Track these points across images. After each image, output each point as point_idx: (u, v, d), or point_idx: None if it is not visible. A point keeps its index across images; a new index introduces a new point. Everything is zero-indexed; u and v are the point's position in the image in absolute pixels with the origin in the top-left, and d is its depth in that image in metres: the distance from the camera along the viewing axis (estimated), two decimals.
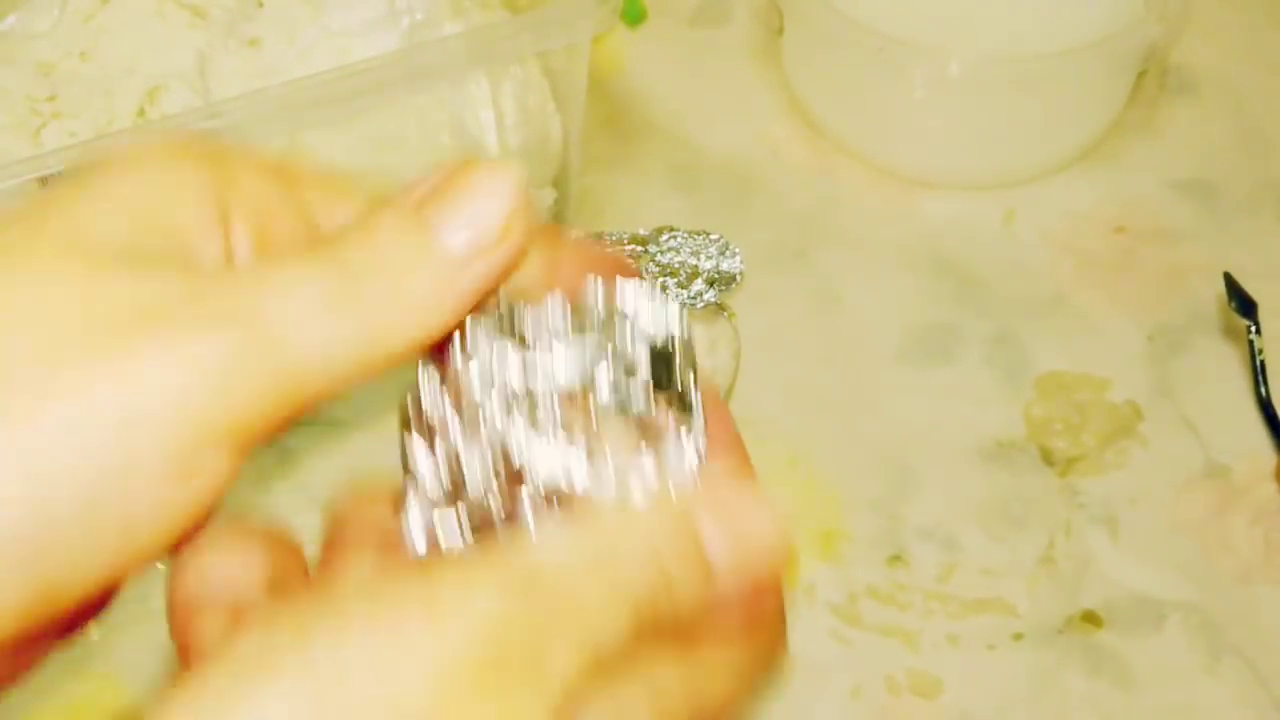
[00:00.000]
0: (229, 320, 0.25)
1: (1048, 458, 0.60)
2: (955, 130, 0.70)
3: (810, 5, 0.67)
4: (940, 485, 0.59)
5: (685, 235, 0.46)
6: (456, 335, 0.28)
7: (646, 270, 0.45)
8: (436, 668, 0.24)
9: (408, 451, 0.28)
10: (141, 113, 0.56)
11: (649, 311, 0.29)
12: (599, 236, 0.47)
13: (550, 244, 0.30)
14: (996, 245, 0.68)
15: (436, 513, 0.28)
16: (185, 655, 0.30)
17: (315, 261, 0.27)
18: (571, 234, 0.31)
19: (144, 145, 0.28)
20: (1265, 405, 0.61)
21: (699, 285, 0.45)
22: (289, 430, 0.27)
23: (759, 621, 0.29)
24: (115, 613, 0.52)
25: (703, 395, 0.29)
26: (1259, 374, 0.61)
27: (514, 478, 0.27)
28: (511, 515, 0.28)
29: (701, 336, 0.47)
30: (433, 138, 0.58)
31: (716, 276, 0.45)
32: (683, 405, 0.29)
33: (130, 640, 0.54)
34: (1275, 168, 0.71)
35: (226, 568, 0.30)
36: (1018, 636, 0.55)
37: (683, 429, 0.29)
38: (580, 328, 0.28)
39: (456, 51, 0.56)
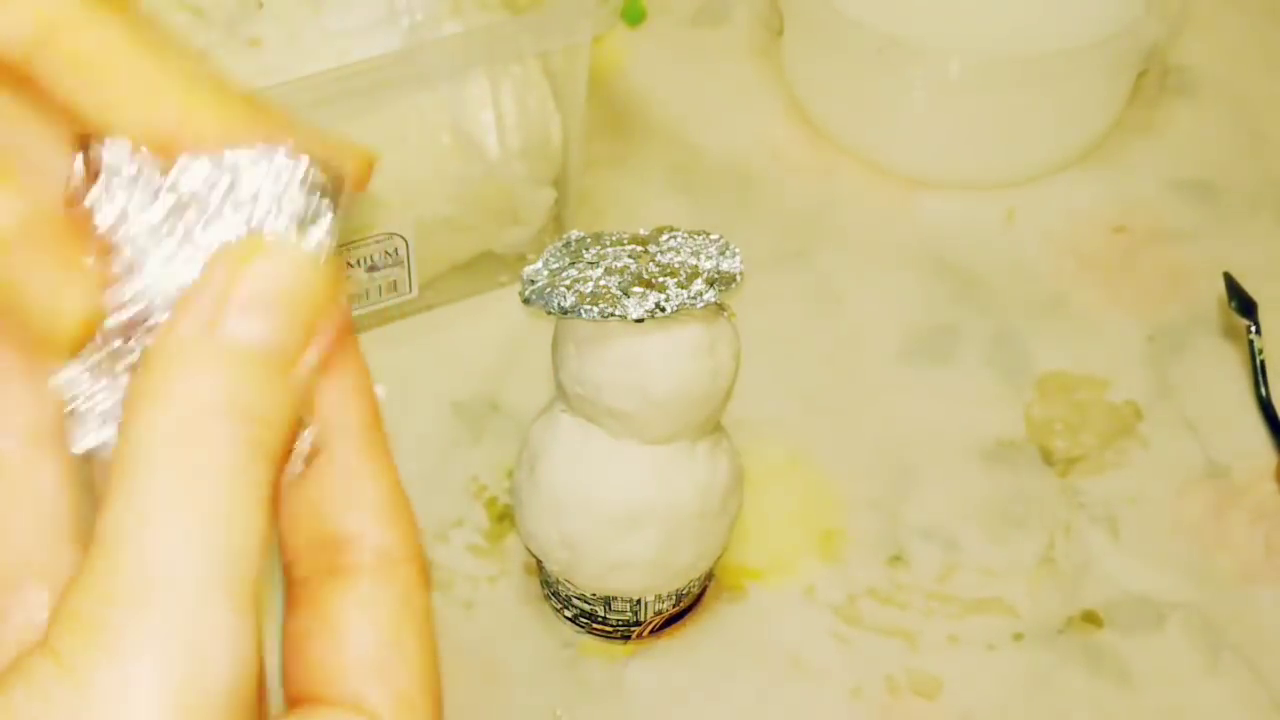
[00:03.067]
0: None
1: (1048, 458, 0.60)
2: (955, 130, 0.70)
3: (810, 5, 0.67)
4: (940, 485, 0.59)
5: (685, 235, 0.46)
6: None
7: (646, 270, 0.45)
8: None
9: None
10: None
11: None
12: (598, 236, 0.47)
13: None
14: (996, 245, 0.68)
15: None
16: None
17: None
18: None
19: None
20: (1265, 405, 0.61)
21: (699, 285, 0.44)
22: None
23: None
24: None
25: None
26: (1259, 374, 0.61)
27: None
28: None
29: (702, 336, 0.47)
30: (433, 138, 0.58)
31: (716, 276, 0.45)
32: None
33: None
34: (1275, 168, 0.71)
35: None
36: (1018, 636, 0.55)
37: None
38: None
39: (456, 51, 0.56)
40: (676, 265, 0.45)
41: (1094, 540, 0.58)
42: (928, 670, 0.54)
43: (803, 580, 0.57)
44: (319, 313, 0.26)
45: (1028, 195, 0.69)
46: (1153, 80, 0.74)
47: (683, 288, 0.44)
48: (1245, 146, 0.72)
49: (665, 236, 0.46)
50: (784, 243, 0.67)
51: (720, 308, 0.47)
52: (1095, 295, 0.66)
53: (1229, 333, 0.64)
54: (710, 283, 0.44)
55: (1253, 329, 0.61)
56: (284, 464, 0.26)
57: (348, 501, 0.27)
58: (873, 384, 0.63)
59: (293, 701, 0.27)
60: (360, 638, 0.26)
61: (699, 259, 0.45)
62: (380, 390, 0.28)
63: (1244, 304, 0.61)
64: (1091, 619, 0.56)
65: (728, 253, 0.45)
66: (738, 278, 0.44)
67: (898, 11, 0.68)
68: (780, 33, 0.73)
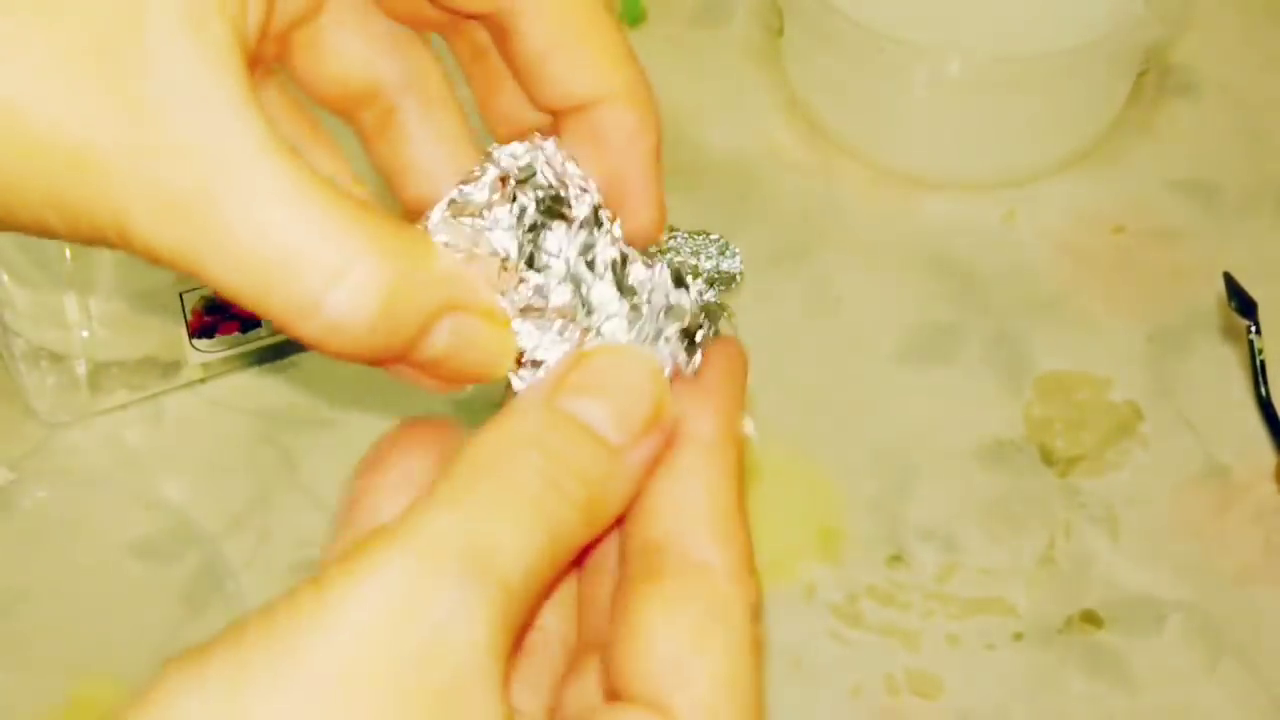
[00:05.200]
0: None
1: (1048, 458, 0.60)
2: (955, 130, 0.70)
3: (810, 5, 0.67)
4: (940, 485, 0.59)
5: (685, 235, 0.46)
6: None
7: None
8: (330, 685, 0.24)
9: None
10: None
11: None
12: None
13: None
14: (996, 245, 0.68)
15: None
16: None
17: None
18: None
19: None
20: (1265, 405, 0.61)
21: (699, 285, 0.44)
22: None
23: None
24: (111, 613, 0.52)
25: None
26: (1259, 374, 0.61)
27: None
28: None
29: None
30: None
31: (716, 276, 0.45)
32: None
33: (130, 639, 0.54)
34: (1275, 168, 0.71)
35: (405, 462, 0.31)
36: (1018, 636, 0.55)
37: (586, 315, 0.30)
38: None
39: None
40: (677, 265, 0.45)
41: (1094, 540, 0.58)
42: (928, 670, 0.54)
43: (803, 580, 0.56)
44: (651, 415, 0.28)
45: (1028, 195, 0.69)
46: (1153, 80, 0.73)
47: None
48: (1245, 146, 0.72)
49: (665, 236, 0.46)
50: (784, 243, 0.67)
51: (720, 308, 0.47)
52: (1095, 295, 0.66)
53: (1229, 333, 0.64)
54: (710, 283, 0.44)
55: (1253, 329, 0.61)
56: (596, 535, 0.28)
57: (679, 511, 0.29)
58: (872, 384, 0.63)
59: (608, 695, 0.28)
60: (663, 641, 0.27)
61: (699, 259, 0.45)
62: (749, 427, 0.30)
63: (1244, 304, 0.61)
64: (1091, 619, 0.56)
65: (728, 253, 0.45)
66: (738, 278, 0.44)
67: (898, 11, 0.68)
68: (780, 33, 0.73)
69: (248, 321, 0.59)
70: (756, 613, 0.28)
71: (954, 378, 0.63)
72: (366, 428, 0.59)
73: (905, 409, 0.62)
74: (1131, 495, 0.59)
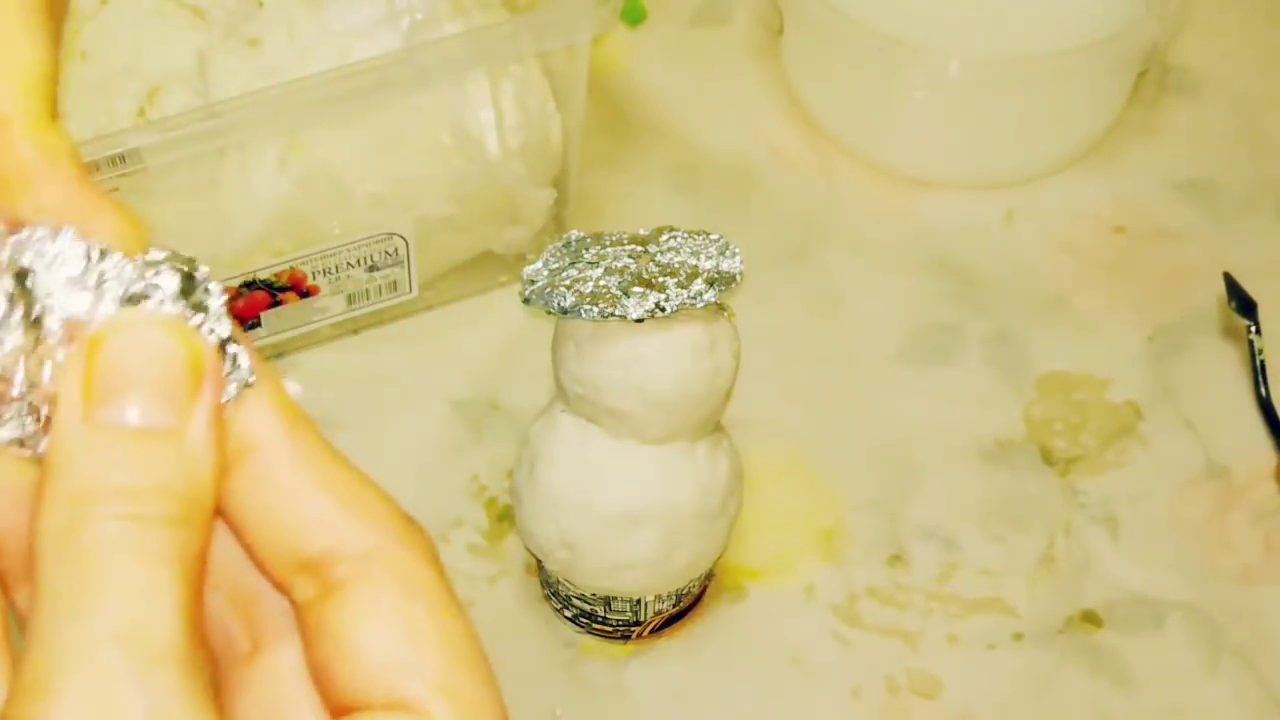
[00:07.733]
0: None
1: (1048, 458, 0.60)
2: (955, 130, 0.70)
3: (810, 5, 0.67)
4: (940, 485, 0.59)
5: (685, 235, 0.46)
6: None
7: (646, 270, 0.45)
8: None
9: None
10: (141, 113, 0.56)
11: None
12: (598, 236, 0.47)
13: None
14: (996, 245, 0.68)
15: None
16: None
17: None
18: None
19: None
20: (1265, 405, 0.61)
21: (699, 285, 0.44)
22: None
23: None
24: None
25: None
26: (1259, 374, 0.61)
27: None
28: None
29: (702, 336, 0.47)
30: (433, 138, 0.58)
31: (716, 276, 0.45)
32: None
33: None
34: (1275, 168, 0.71)
35: None
36: (1018, 636, 0.55)
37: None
38: None
39: (456, 51, 0.56)
40: (676, 265, 0.45)
41: (1094, 540, 0.58)
42: (928, 670, 0.54)
43: (803, 580, 0.57)
44: (191, 376, 0.25)
45: (1028, 195, 0.69)
46: (1153, 80, 0.73)
47: (683, 288, 0.44)
48: (1245, 146, 0.72)
49: (665, 236, 0.46)
50: (784, 243, 0.67)
51: (720, 308, 0.47)
52: (1095, 295, 0.66)
53: (1229, 333, 0.64)
54: (710, 283, 0.44)
55: (1253, 329, 0.61)
56: (207, 526, 0.25)
57: (303, 520, 0.26)
58: (873, 384, 0.63)
59: (335, 714, 0.26)
60: (374, 644, 0.25)
61: (699, 259, 0.45)
62: (293, 387, 0.27)
63: (1244, 304, 0.61)
64: (1091, 619, 0.56)
65: (728, 253, 0.45)
66: (738, 278, 0.44)
67: (898, 11, 0.68)
68: (780, 33, 0.73)
69: (247, 323, 0.59)
70: (434, 559, 0.26)
71: (954, 378, 0.63)
72: (367, 428, 0.59)
73: (905, 409, 0.62)
74: (1131, 495, 0.59)
